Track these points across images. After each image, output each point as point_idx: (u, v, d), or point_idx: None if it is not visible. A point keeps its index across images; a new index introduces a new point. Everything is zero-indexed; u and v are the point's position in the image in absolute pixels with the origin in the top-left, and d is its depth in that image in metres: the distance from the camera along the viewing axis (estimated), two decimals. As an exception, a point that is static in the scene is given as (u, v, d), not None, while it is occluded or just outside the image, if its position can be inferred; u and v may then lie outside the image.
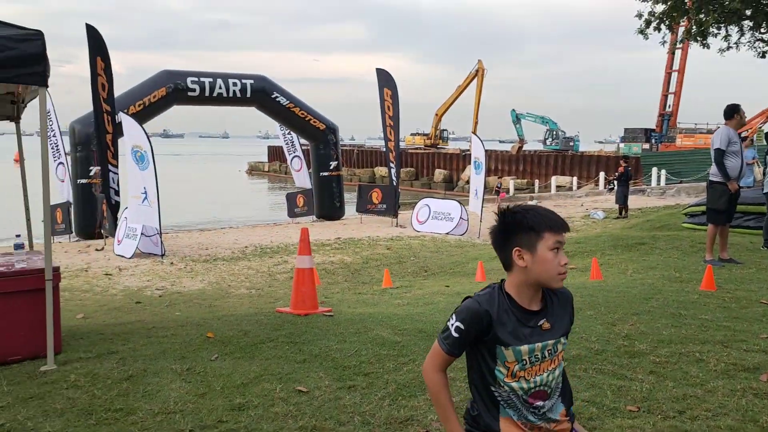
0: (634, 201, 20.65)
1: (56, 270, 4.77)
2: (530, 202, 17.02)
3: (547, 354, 2.17)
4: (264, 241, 15.86)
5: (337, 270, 11.16)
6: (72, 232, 18.30)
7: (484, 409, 2.19)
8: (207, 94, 19.89)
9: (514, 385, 2.15)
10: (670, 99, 48.80)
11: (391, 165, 19.73)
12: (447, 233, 16.89)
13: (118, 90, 17.09)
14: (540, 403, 2.18)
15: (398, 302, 7.06)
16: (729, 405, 3.81)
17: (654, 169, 31.48)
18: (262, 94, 20.87)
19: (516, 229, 2.14)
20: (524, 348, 2.13)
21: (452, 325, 2.12)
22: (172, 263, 12.34)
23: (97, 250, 14.72)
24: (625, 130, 50.98)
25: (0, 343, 4.62)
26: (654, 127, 49.21)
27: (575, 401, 3.89)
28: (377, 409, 3.85)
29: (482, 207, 17.81)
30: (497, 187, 33.39)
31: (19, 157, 6.60)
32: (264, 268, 11.62)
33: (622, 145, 49.99)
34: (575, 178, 38.28)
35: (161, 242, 13.47)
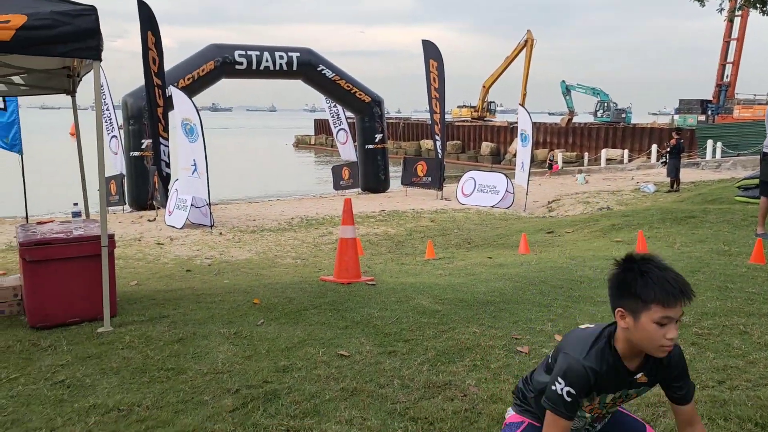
0: (687, 174, 20.13)
1: (111, 237, 4.98)
2: (579, 175, 16.66)
3: (629, 395, 2.14)
4: (310, 212, 16.08)
5: (381, 241, 11.28)
6: (125, 204, 18.88)
7: (541, 410, 2.19)
8: (254, 67, 20.10)
9: (587, 415, 2.16)
10: (728, 69, 46.99)
11: (437, 137, 19.65)
12: (492, 206, 16.81)
13: (168, 64, 17.45)
14: (599, 423, 2.24)
15: (440, 272, 7.13)
16: (771, 377, 3.78)
17: (709, 142, 30.51)
18: (307, 67, 20.97)
19: (623, 289, 1.96)
20: (610, 395, 2.10)
21: (562, 389, 1.98)
22: (220, 233, 12.65)
23: (149, 220, 15.18)
24: (680, 101, 49.41)
25: (60, 306, 4.88)
26: (710, 98, 47.56)
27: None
28: (416, 373, 3.94)
29: (528, 180, 17.64)
30: (549, 160, 32.73)
31: (75, 130, 6.86)
32: (309, 238, 11.82)
33: (676, 116, 48.51)
34: (626, 151, 37.40)
35: (210, 213, 13.80)
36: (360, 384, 3.78)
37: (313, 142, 66.71)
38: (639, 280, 1.91)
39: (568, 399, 1.97)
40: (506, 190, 17.16)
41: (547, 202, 17.57)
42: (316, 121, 69.78)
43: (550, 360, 2.21)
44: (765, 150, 7.91)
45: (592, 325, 2.16)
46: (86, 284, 4.93)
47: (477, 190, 17.95)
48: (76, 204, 5.56)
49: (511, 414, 2.38)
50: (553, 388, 1.99)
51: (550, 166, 30.10)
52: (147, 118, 16.45)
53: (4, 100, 11.15)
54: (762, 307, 5.07)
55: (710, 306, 5.11)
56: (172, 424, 3.31)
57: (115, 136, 19.08)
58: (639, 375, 2.05)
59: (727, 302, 5.20)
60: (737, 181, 12.72)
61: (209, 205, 13.77)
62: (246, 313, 5.22)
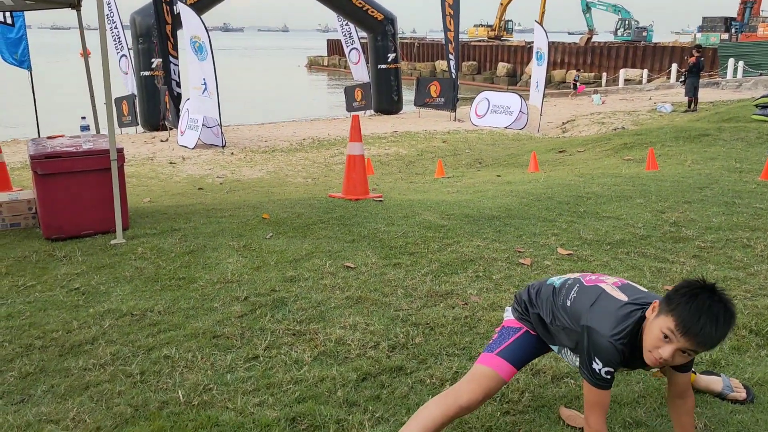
0: (706, 94, 19.73)
1: (120, 150, 5.04)
2: (594, 96, 16.38)
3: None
4: (322, 134, 16.05)
5: (392, 161, 11.29)
6: (138, 124, 18.90)
7: (540, 327, 2.30)
8: (263, -17, 19.60)
9: None
10: (756, -16, 45.12)
11: (450, 57, 19.28)
12: (506, 127, 16.66)
13: (176, -20, 17.03)
14: None
15: (448, 190, 7.16)
16: (769, 287, 3.83)
17: (731, 61, 29.65)
18: (318, -17, 20.44)
19: (673, 292, 1.99)
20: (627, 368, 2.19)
21: (600, 369, 2.04)
22: (232, 153, 12.71)
23: (161, 141, 15.24)
24: (704, 19, 47.83)
25: (72, 219, 4.99)
26: (735, 15, 45.91)
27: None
28: (420, 283, 4.04)
29: (543, 100, 17.38)
30: (574, 80, 31.44)
31: (82, 45, 6.80)
32: (320, 159, 11.85)
33: (699, 35, 47.04)
34: (646, 71, 36.51)
35: (222, 133, 13.82)
36: (365, 293, 3.89)
37: (326, 63, 65.66)
38: (686, 296, 1.92)
39: (608, 376, 2.05)
40: (520, 111, 16.96)
41: (561, 123, 17.37)
42: (329, 41, 68.41)
43: (561, 302, 2.22)
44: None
45: (619, 293, 2.15)
46: (98, 197, 5.02)
47: (491, 111, 17.74)
48: (84, 118, 5.59)
49: (510, 318, 2.45)
50: (593, 367, 2.04)
51: (575, 86, 29.02)
52: (156, 36, 16.23)
53: (12, 16, 11.02)
54: None
55: (715, 221, 5.13)
56: (183, 327, 3.44)
57: (125, 56, 18.90)
58: (656, 369, 2.16)
59: (732, 217, 5.21)
60: (755, 100, 12.47)
61: (220, 125, 13.77)
62: (255, 227, 5.31)
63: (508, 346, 2.32)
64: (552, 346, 2.35)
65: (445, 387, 2.82)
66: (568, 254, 4.51)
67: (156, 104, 17.95)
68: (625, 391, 2.73)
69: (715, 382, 2.71)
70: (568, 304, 2.21)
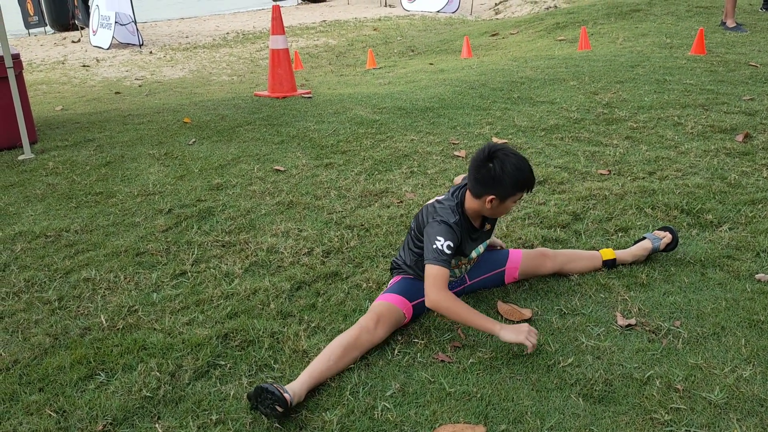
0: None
1: (16, 57, 4.57)
2: None
3: (482, 249, 2.57)
4: (246, 27, 15.22)
5: (321, 53, 10.82)
6: (46, 25, 17.50)
7: (420, 269, 2.48)
8: None
9: (457, 271, 2.58)
10: None
11: (377, -63, 18.27)
12: (438, 11, 16.13)
13: None
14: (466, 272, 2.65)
15: (380, 82, 6.91)
16: (700, 165, 3.85)
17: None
18: None
19: (494, 183, 2.26)
20: (474, 254, 2.53)
21: (443, 245, 2.30)
22: (151, 52, 11.93)
23: (73, 42, 14.18)
24: None
25: (-28, 135, 4.58)
26: None
27: (548, 168, 3.93)
28: (353, 183, 3.90)
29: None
30: None
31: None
32: (246, 54, 11.26)
33: None
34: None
35: (138, 31, 12.91)
36: (296, 197, 3.73)
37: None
38: (511, 179, 2.24)
39: (449, 251, 2.31)
40: (452, -7, 16.39)
41: (494, 4, 16.90)
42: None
43: (413, 233, 2.52)
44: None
45: (441, 197, 2.49)
46: (-3, 111, 4.60)
47: (422, -6, 17.09)
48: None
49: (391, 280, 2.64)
50: (435, 246, 2.30)
51: None
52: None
53: None
54: (698, 98, 5.08)
55: (647, 99, 5.10)
56: (103, 246, 3.24)
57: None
58: (485, 227, 2.52)
59: (663, 95, 5.18)
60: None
61: (135, 21, 12.83)
62: (176, 133, 5.01)
63: (391, 287, 2.53)
64: None
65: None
66: (503, 143, 4.42)
67: (64, 1, 16.54)
68: (561, 281, 2.72)
69: (646, 244, 2.84)
70: (412, 233, 2.52)
